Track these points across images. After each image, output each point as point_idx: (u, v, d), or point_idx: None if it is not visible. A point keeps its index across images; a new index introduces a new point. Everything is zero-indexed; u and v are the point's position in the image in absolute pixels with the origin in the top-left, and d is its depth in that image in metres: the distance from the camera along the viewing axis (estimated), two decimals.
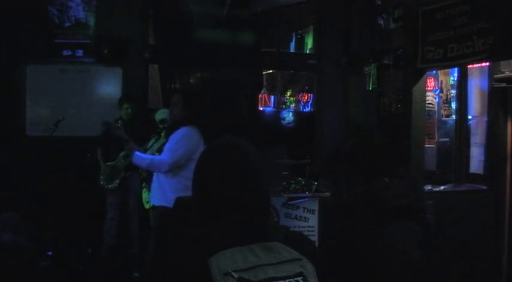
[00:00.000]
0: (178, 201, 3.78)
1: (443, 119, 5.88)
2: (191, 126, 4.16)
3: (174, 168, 4.07)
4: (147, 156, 4.27)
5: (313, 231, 4.29)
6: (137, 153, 4.20)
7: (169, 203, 4.00)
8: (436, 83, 5.81)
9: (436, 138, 5.92)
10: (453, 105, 5.75)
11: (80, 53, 6.49)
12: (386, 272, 1.52)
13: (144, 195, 5.13)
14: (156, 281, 1.35)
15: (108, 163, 5.62)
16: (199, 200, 1.42)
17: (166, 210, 4.04)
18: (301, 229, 4.25)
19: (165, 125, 4.87)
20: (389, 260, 1.53)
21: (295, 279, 1.26)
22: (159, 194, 4.15)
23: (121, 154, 5.50)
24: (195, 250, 1.30)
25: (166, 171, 4.11)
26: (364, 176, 1.62)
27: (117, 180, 5.58)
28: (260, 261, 1.26)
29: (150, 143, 4.94)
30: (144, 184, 5.23)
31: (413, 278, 1.54)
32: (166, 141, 4.30)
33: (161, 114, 5.15)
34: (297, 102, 9.10)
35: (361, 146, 1.68)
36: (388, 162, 1.65)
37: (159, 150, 4.55)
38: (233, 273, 1.22)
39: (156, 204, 4.19)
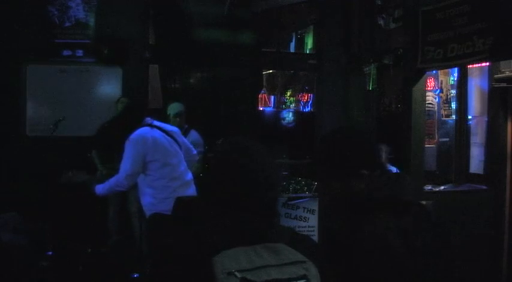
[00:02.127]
0: (179, 200, 3.78)
1: (443, 119, 5.88)
2: (134, 133, 3.98)
3: (137, 178, 3.98)
4: (105, 183, 4.17)
5: (313, 231, 4.29)
6: (96, 186, 4.14)
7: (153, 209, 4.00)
8: (436, 83, 5.81)
9: (436, 138, 5.92)
10: (453, 105, 5.74)
11: (80, 53, 6.49)
12: (366, 260, 1.53)
13: None
14: (159, 279, 1.36)
15: (106, 165, 5.58)
16: (207, 199, 1.42)
17: (155, 216, 4.02)
18: (301, 229, 4.25)
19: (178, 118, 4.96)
20: (370, 247, 1.54)
21: (299, 281, 1.26)
22: (142, 202, 4.12)
23: (120, 155, 5.49)
24: (199, 248, 1.30)
25: (129, 185, 4.01)
26: (337, 174, 1.65)
27: None
28: (264, 262, 1.27)
29: None
30: None
31: (393, 268, 1.55)
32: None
33: (176, 108, 5.22)
34: (297, 102, 9.11)
35: (327, 145, 1.71)
36: (360, 157, 1.67)
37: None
38: (236, 273, 1.22)
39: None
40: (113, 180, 4.07)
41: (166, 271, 1.32)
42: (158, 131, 4.02)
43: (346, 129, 1.87)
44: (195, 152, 4.42)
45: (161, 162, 3.95)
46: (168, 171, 3.97)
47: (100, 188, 4.15)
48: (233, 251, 1.27)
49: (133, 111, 4.18)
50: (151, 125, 4.04)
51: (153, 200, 4.00)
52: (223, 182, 1.40)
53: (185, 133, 5.26)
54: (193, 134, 5.65)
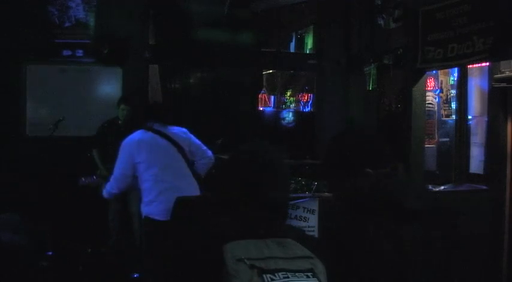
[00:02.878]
0: (179, 200, 3.78)
1: (443, 119, 5.88)
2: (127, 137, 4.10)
3: (128, 180, 4.04)
4: (105, 187, 4.24)
5: (313, 231, 4.28)
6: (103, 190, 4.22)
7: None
8: (436, 83, 5.81)
9: (436, 138, 5.92)
10: (453, 105, 5.74)
11: (80, 53, 6.49)
12: (367, 261, 1.54)
13: None
14: (170, 265, 1.38)
15: (107, 165, 5.57)
16: (221, 195, 1.46)
17: (145, 220, 4.06)
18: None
19: None
20: (372, 248, 1.56)
21: (306, 274, 1.29)
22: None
23: None
24: (211, 238, 1.34)
25: (119, 188, 4.09)
26: (346, 173, 1.67)
27: None
28: (273, 254, 1.30)
29: None
30: None
31: (392, 270, 1.57)
32: None
33: None
34: (297, 102, 9.10)
35: (338, 144, 1.74)
36: (370, 156, 1.70)
37: None
38: (246, 260, 1.25)
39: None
40: (108, 184, 4.11)
41: (177, 257, 1.35)
42: (151, 134, 4.02)
43: (355, 129, 1.92)
44: (210, 153, 4.40)
45: (146, 164, 3.96)
46: (154, 173, 3.95)
47: (103, 192, 4.22)
48: (244, 241, 1.31)
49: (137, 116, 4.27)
50: (147, 128, 4.06)
51: (142, 202, 4.04)
52: (234, 179, 1.44)
53: None
54: None
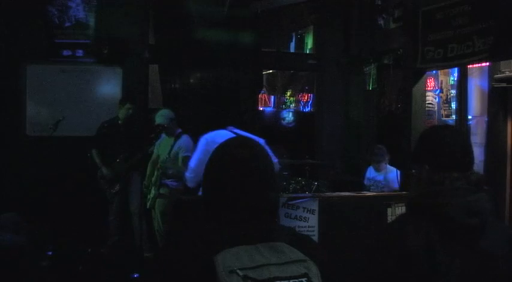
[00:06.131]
0: (178, 201, 3.79)
1: (443, 119, 5.88)
2: None
3: None
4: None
5: (313, 231, 4.28)
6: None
7: None
8: (436, 83, 5.81)
9: None
10: (453, 105, 5.74)
11: (80, 53, 6.49)
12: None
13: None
14: (160, 278, 1.35)
15: (106, 165, 5.56)
16: (208, 199, 1.42)
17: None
18: (301, 229, 4.24)
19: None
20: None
21: (300, 279, 1.26)
22: None
23: (121, 156, 5.49)
24: (201, 247, 1.30)
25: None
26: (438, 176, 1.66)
27: (118, 184, 5.53)
28: (265, 261, 1.26)
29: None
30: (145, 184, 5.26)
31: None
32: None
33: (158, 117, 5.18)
34: (297, 102, 9.12)
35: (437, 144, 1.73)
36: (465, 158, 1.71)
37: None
38: (238, 271, 1.22)
39: None
40: None
41: (167, 269, 1.32)
42: None
43: (452, 130, 1.88)
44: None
45: None
46: None
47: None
48: (235, 249, 1.27)
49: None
50: None
51: None
52: (225, 179, 1.39)
53: (177, 138, 5.26)
54: (183, 139, 5.52)
